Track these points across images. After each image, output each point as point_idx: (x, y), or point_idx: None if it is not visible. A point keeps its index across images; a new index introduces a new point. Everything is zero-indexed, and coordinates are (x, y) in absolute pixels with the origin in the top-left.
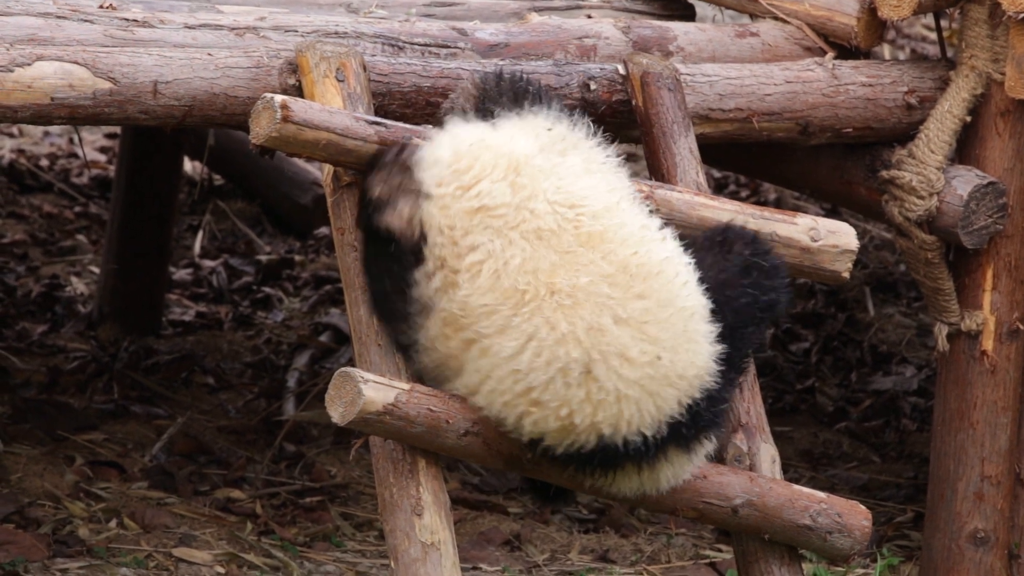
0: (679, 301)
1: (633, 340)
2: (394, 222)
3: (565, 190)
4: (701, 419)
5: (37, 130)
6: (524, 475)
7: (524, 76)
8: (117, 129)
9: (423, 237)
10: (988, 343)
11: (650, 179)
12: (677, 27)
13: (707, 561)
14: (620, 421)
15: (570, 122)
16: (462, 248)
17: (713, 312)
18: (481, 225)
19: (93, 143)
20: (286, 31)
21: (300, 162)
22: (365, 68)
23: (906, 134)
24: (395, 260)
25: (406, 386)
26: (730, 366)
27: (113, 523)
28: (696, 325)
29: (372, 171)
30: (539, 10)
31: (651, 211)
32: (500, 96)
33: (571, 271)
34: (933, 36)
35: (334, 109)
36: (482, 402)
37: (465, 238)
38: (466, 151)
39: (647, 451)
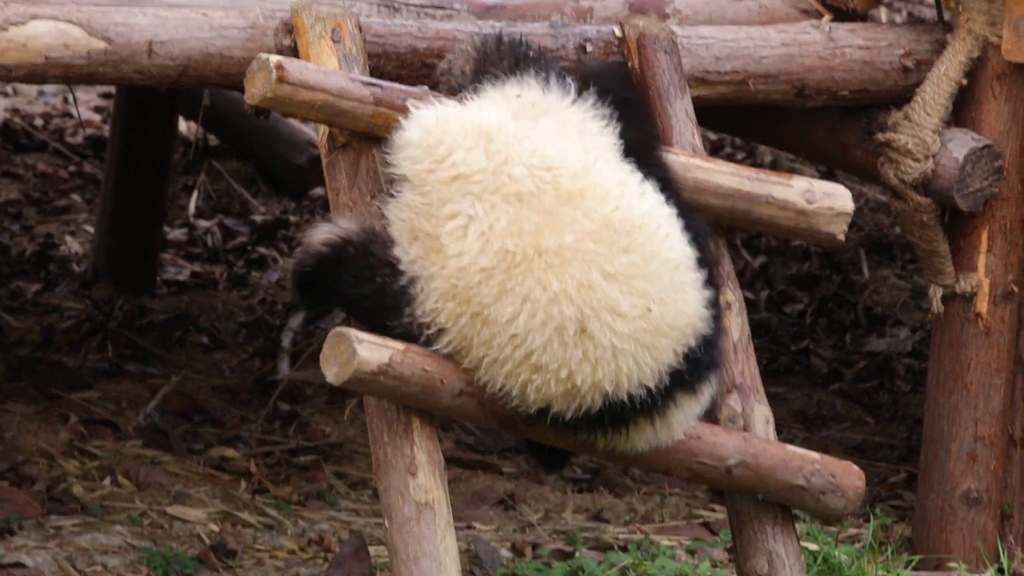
0: (664, 253)
1: (623, 295)
2: (330, 236)
3: (540, 153)
4: (700, 363)
5: (31, 89)
6: (519, 436)
7: (524, 40)
8: (112, 89)
9: (380, 225)
10: (982, 305)
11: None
12: None
13: (701, 521)
14: (620, 376)
15: (543, 86)
16: (441, 217)
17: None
18: (459, 192)
19: (88, 103)
20: None
21: (295, 123)
22: (361, 29)
23: (902, 97)
24: (361, 256)
25: (400, 346)
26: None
27: (107, 481)
28: (683, 276)
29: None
30: None
31: (631, 169)
32: (500, 60)
33: (556, 230)
34: None
35: (329, 70)
36: (486, 377)
37: (444, 207)
38: (434, 126)
39: (655, 401)
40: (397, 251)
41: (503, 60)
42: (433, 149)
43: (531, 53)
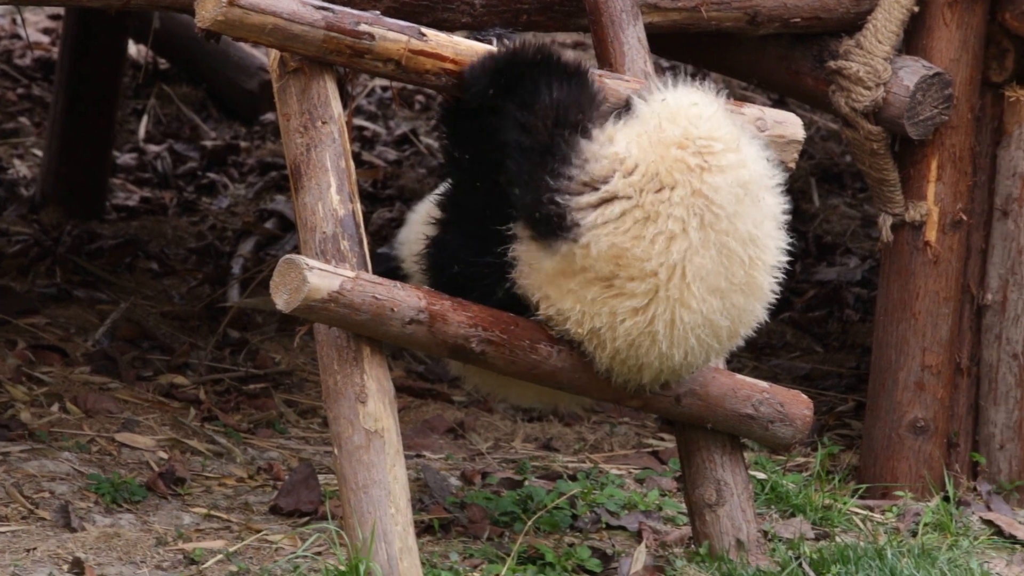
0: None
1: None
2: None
3: (762, 227)
4: None
5: None
6: (470, 364)
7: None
8: (61, 10)
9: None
10: (931, 234)
11: (598, 68)
12: None
13: (650, 450)
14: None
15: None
16: (663, 205)
17: None
18: (695, 209)
19: (36, 24)
20: None
21: (246, 47)
22: None
23: (854, 24)
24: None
25: (351, 273)
26: None
27: (55, 407)
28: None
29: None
30: None
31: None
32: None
33: (721, 306)
34: None
35: None
36: (573, 318)
37: (673, 205)
38: (722, 136)
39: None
40: (578, 165)
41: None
42: (707, 154)
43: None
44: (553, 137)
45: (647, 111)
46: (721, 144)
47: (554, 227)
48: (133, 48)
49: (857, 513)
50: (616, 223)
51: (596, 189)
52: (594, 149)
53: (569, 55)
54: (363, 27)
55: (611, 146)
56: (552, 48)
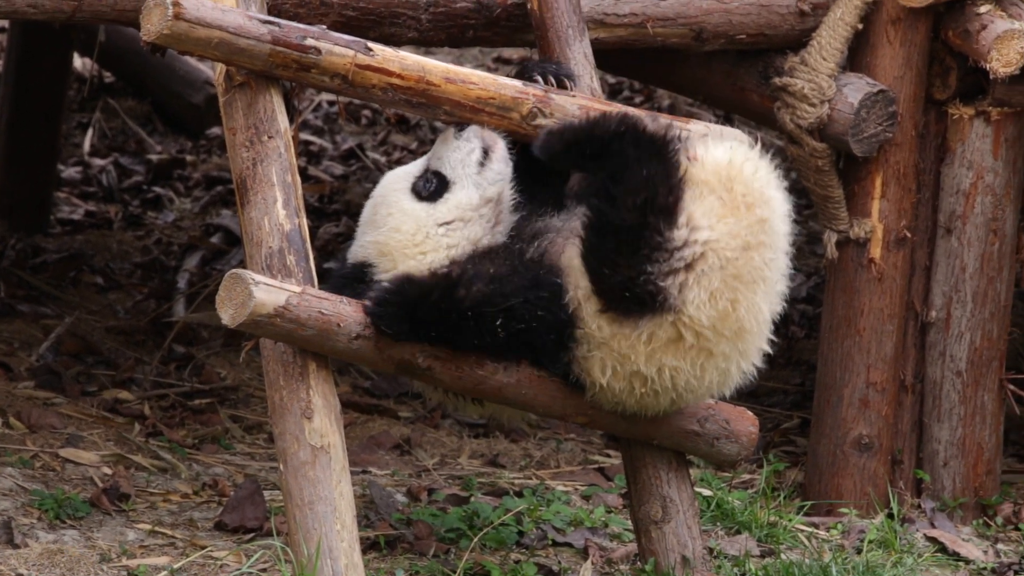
0: None
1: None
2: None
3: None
4: None
5: None
6: (416, 380)
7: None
8: (5, 23)
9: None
10: (876, 251)
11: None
12: None
13: (596, 466)
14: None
15: None
16: (753, 264)
17: None
18: (767, 259)
19: None
20: None
21: (192, 61)
22: None
23: (799, 41)
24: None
25: (297, 288)
26: None
27: None
28: None
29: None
30: None
31: None
32: None
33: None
34: None
35: (227, 7)
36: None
37: (758, 265)
38: (767, 178)
39: None
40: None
41: None
42: (765, 202)
43: None
44: (645, 217)
45: (703, 175)
46: (771, 191)
47: (645, 304)
48: (78, 61)
49: (802, 530)
50: (709, 292)
51: (687, 265)
52: (683, 235)
53: (650, 124)
54: (309, 41)
55: (696, 232)
56: (636, 119)
